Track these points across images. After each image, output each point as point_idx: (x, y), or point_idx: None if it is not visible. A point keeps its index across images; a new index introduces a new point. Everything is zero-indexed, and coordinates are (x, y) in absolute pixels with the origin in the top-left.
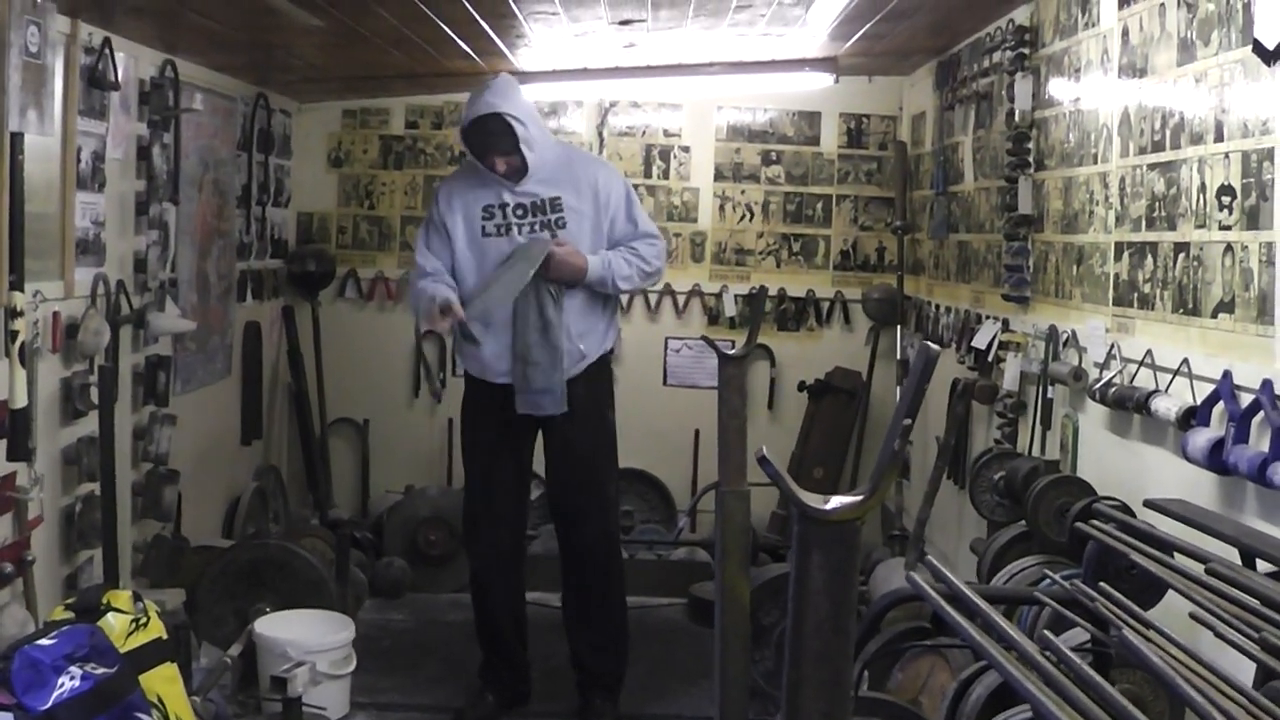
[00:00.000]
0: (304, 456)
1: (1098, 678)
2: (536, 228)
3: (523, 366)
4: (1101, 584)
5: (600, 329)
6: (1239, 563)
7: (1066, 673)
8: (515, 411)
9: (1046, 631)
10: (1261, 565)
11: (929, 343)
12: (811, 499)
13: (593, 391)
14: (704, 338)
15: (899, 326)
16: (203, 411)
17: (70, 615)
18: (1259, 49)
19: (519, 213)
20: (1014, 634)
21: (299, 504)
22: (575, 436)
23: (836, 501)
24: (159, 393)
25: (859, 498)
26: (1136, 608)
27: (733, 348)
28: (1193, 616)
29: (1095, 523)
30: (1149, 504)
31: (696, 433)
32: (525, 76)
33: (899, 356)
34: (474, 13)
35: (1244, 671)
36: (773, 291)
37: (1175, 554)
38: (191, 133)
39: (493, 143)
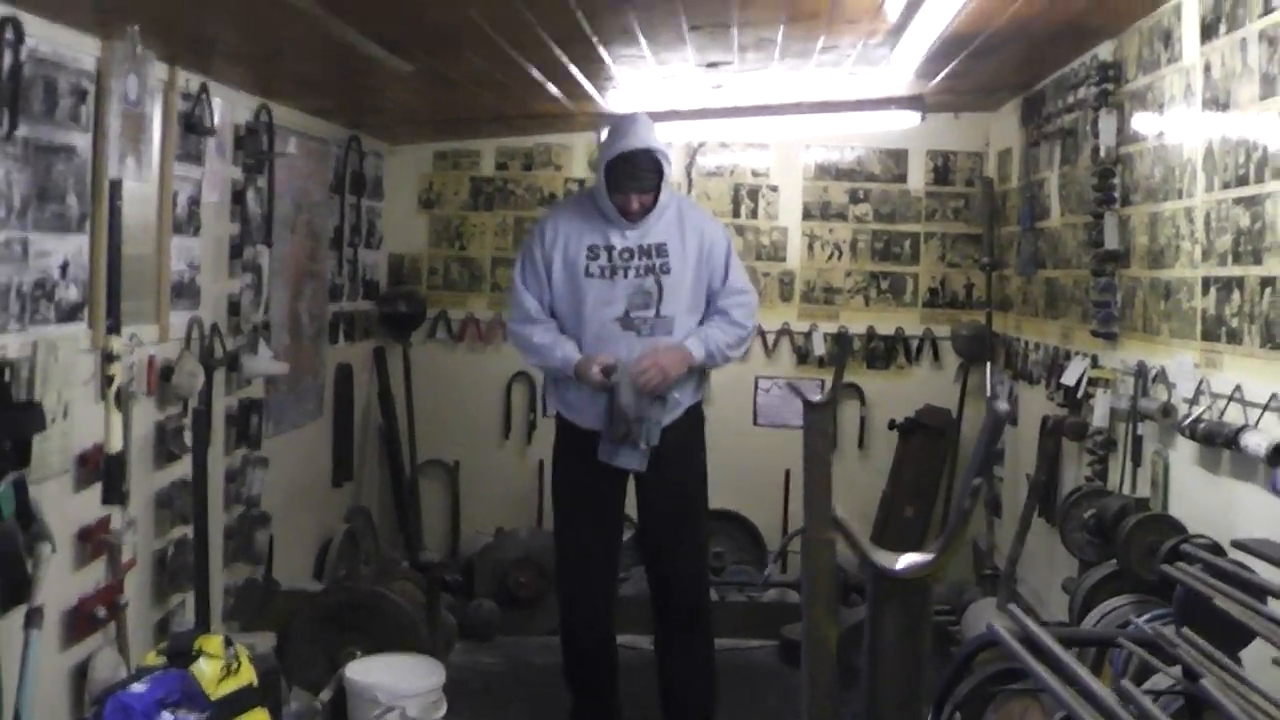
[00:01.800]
0: (394, 498)
1: None
2: (641, 271)
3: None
4: (1185, 630)
5: (695, 377)
6: None
7: None
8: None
9: (1125, 682)
10: None
11: (997, 402)
12: (884, 557)
13: (686, 437)
14: (788, 383)
15: (988, 363)
16: (294, 453)
17: (162, 660)
18: None
19: (625, 256)
20: (1093, 684)
21: (390, 546)
22: (668, 481)
23: (907, 560)
24: (251, 435)
25: (930, 556)
26: (1219, 654)
27: (821, 388)
28: (1276, 662)
29: (1181, 565)
30: (1236, 544)
31: (787, 473)
32: (612, 119)
33: (989, 393)
34: (563, 57)
35: None
36: (861, 330)
37: (1267, 597)
38: (285, 175)
39: (636, 179)
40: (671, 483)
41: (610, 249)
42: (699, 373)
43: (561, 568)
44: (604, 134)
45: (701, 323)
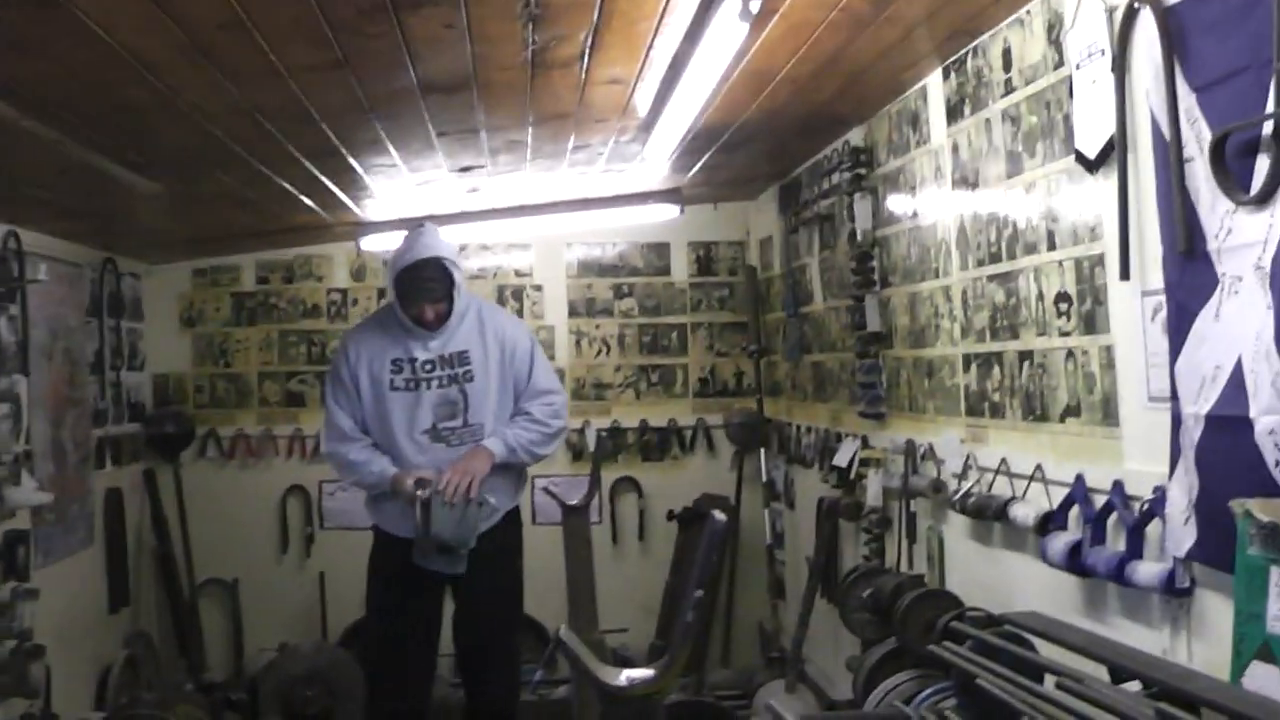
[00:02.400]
0: (174, 620)
1: None
2: (445, 381)
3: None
4: (949, 706)
5: (510, 481)
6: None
7: None
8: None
9: None
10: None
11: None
12: (608, 674)
13: (503, 541)
14: (546, 489)
15: (762, 449)
16: (66, 582)
17: None
18: (1081, 158)
19: (427, 368)
20: None
21: (172, 669)
22: (484, 587)
23: (632, 676)
24: (19, 567)
25: (653, 672)
26: None
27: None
28: None
29: (950, 645)
30: (1003, 619)
31: None
32: (370, 227)
33: (764, 479)
34: (314, 170)
35: None
36: (634, 423)
37: (1042, 672)
38: (39, 302)
39: (426, 289)
40: (488, 589)
41: (413, 361)
42: (515, 476)
43: (375, 679)
44: (365, 244)
45: None
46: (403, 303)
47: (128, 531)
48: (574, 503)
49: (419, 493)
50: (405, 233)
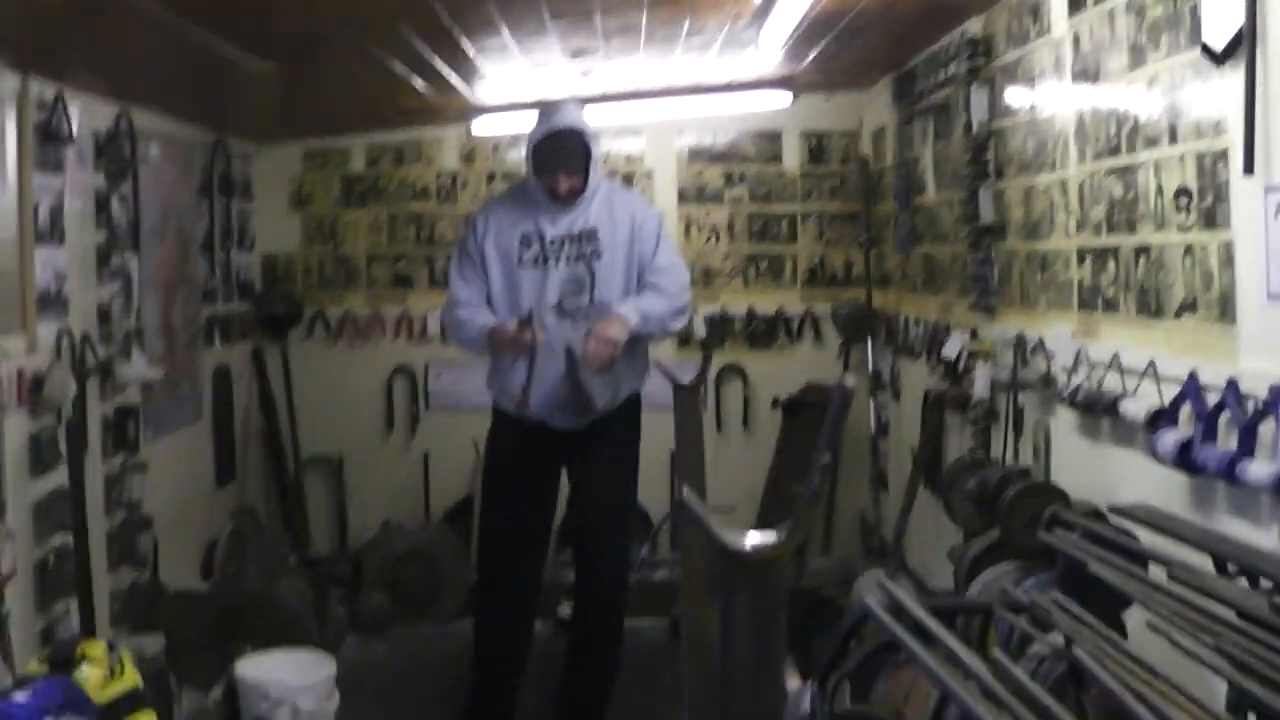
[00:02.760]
0: (280, 496)
1: (1048, 702)
2: (573, 259)
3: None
4: (1057, 596)
5: (636, 366)
6: (1210, 566)
7: (1023, 695)
8: (543, 445)
9: (998, 653)
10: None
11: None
12: (733, 539)
13: (624, 426)
14: (657, 363)
15: (869, 339)
16: (175, 457)
17: (44, 668)
18: (1207, 51)
19: (555, 244)
20: (964, 656)
21: (276, 544)
22: (601, 473)
23: (756, 540)
24: (129, 441)
25: (779, 536)
26: (1091, 619)
27: (701, 370)
28: (1150, 626)
29: (1060, 531)
30: (1114, 510)
31: (672, 454)
32: (481, 110)
33: (870, 369)
34: (426, 52)
35: (1218, 679)
36: (742, 311)
37: (1148, 561)
38: (150, 181)
39: (563, 160)
40: (605, 473)
41: (542, 236)
42: (640, 359)
43: (489, 555)
44: (476, 127)
45: None
46: (538, 172)
47: (235, 409)
48: (686, 381)
49: (524, 328)
50: (536, 110)
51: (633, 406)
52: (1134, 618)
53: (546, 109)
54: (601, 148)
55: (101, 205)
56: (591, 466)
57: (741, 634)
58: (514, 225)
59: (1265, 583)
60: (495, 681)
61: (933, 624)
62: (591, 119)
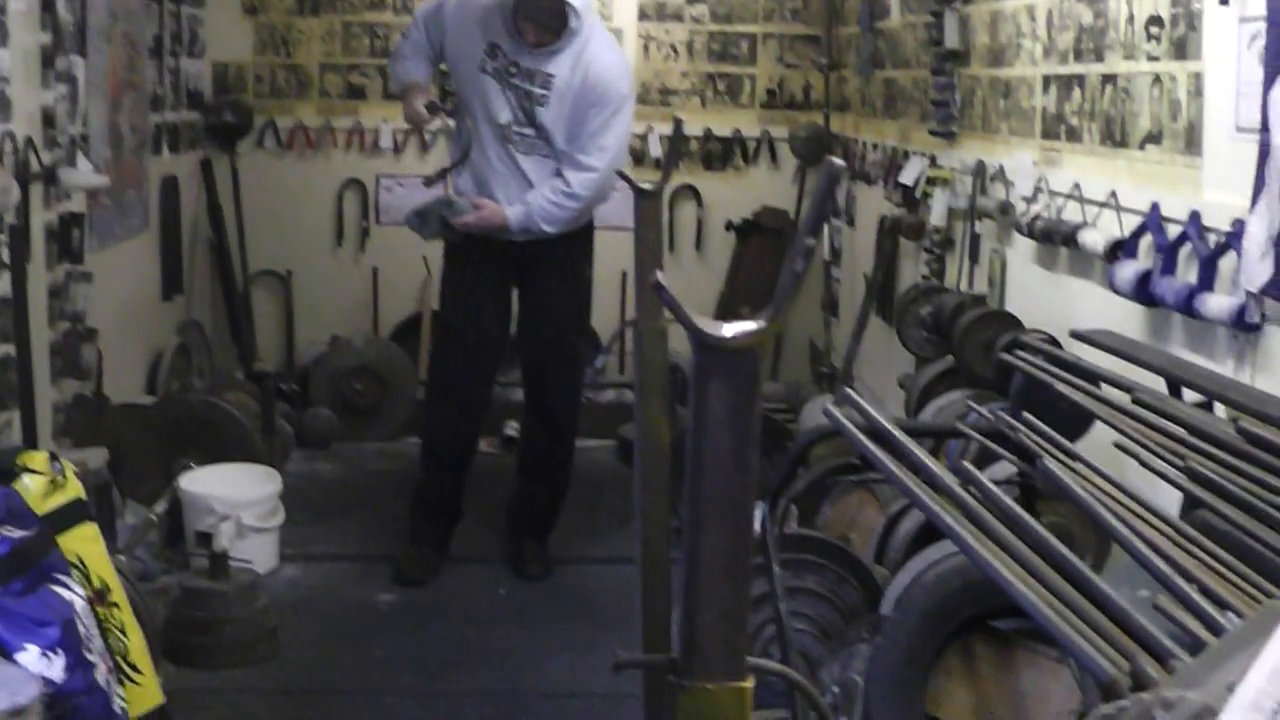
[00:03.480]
0: (227, 310)
1: (1018, 510)
2: (520, 94)
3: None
4: (1025, 414)
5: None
6: (1166, 393)
7: (989, 506)
8: (494, 256)
9: (966, 463)
10: (1188, 394)
11: (833, 159)
12: (709, 325)
13: (572, 250)
14: (619, 172)
15: (827, 157)
16: (121, 268)
17: None
18: None
19: (512, 70)
20: (935, 468)
21: (223, 358)
22: (552, 290)
23: (735, 327)
24: (74, 250)
25: (759, 324)
26: (1061, 438)
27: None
28: (1118, 446)
29: (1021, 354)
30: (1075, 335)
31: (623, 274)
32: None
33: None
34: None
35: (1170, 501)
36: (698, 131)
37: (1102, 385)
38: None
39: (536, 14)
40: (554, 295)
41: (506, 55)
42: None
43: (441, 365)
44: None
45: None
46: (517, 16)
47: (183, 220)
48: (647, 188)
49: (428, 114)
50: None
51: (583, 233)
52: (1086, 444)
53: None
54: None
55: (47, 5)
56: (542, 284)
57: (715, 428)
58: (485, 27)
59: (1221, 410)
60: (443, 480)
61: (902, 438)
62: None
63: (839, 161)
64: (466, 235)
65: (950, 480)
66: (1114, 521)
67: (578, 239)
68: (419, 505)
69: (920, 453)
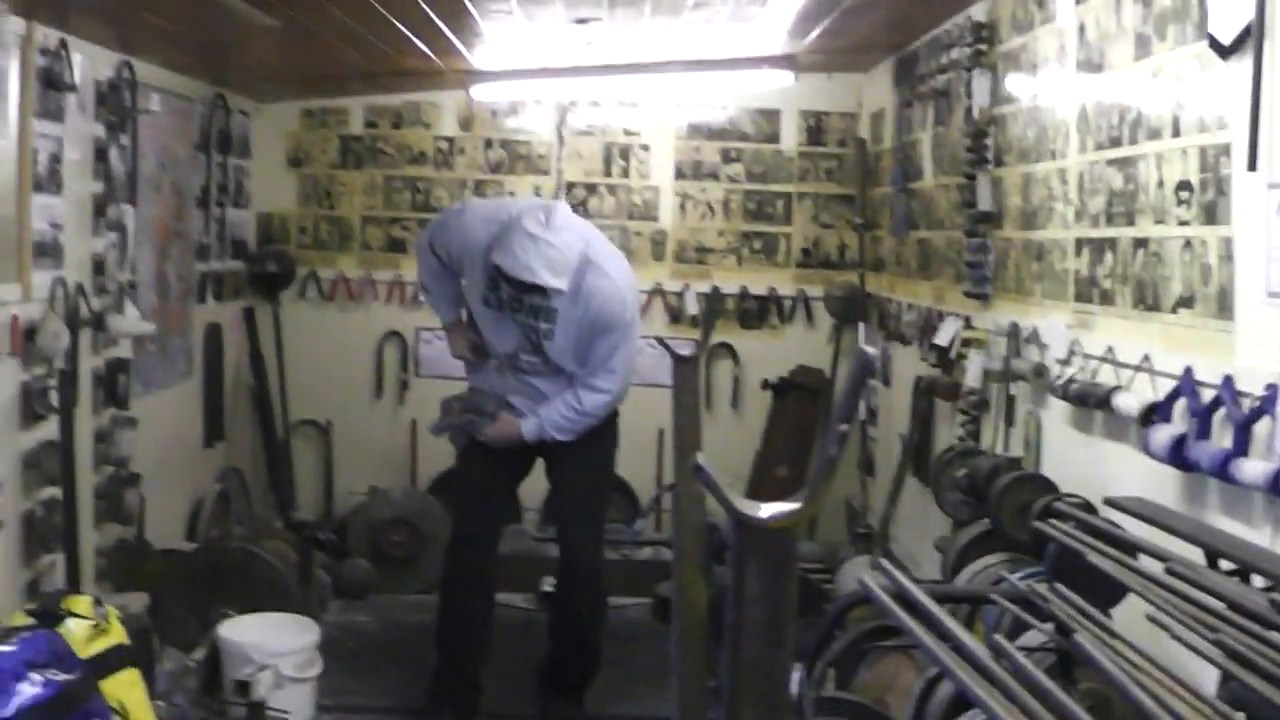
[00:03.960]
0: (267, 458)
1: (1049, 683)
2: (526, 329)
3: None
4: (1058, 585)
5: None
6: (1203, 561)
7: (1021, 679)
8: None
9: (998, 636)
10: (1224, 564)
11: (865, 347)
12: (747, 506)
13: (597, 432)
14: (658, 338)
15: (861, 324)
16: (164, 414)
17: (30, 621)
18: (1214, 43)
19: (515, 305)
20: (966, 639)
21: (262, 506)
22: (577, 453)
23: (772, 509)
24: (119, 395)
25: (795, 505)
26: (1092, 609)
27: (694, 346)
28: (1150, 618)
29: (1055, 522)
30: (1109, 502)
31: (661, 432)
32: (482, 75)
33: (860, 340)
34: (429, 11)
35: (1208, 672)
36: (734, 290)
37: (1138, 554)
38: (149, 133)
39: (517, 289)
40: (578, 458)
41: (505, 290)
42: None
43: (461, 531)
44: (476, 92)
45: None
46: (496, 269)
47: (226, 368)
48: (685, 354)
49: (473, 356)
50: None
51: (607, 421)
52: (1120, 614)
53: (523, 235)
54: (600, 119)
55: (100, 155)
56: (565, 456)
57: (752, 604)
58: (484, 261)
59: (1258, 579)
60: (457, 658)
61: (932, 607)
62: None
63: (871, 350)
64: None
65: (982, 651)
66: (1145, 699)
67: (602, 427)
68: (438, 676)
69: (951, 622)
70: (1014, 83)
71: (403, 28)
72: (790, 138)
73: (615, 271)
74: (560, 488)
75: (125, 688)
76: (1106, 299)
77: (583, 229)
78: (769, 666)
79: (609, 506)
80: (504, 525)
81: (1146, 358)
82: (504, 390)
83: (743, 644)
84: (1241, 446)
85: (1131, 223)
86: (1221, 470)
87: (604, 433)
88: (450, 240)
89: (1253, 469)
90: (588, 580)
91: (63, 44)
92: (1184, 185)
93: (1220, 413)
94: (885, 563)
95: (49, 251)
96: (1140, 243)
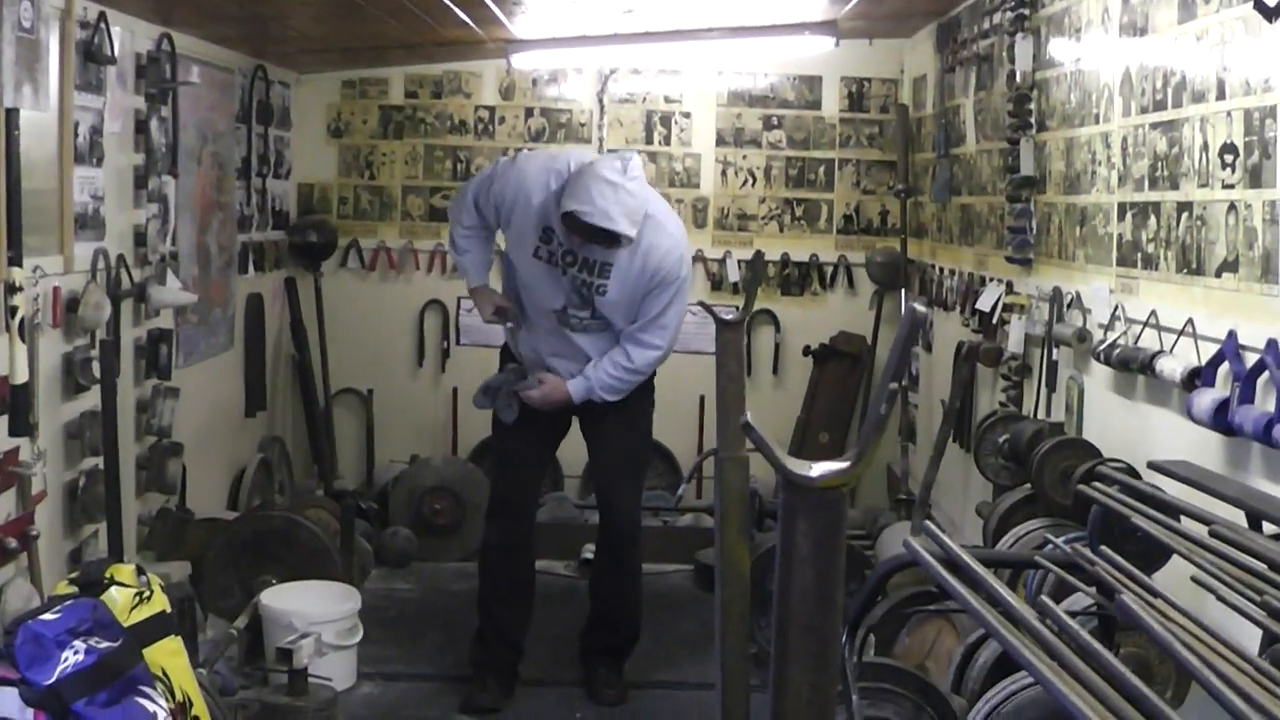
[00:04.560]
0: (308, 428)
1: (1095, 644)
2: (578, 283)
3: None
4: (1103, 548)
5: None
6: (1244, 525)
7: (1066, 639)
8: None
9: (1045, 597)
10: (1268, 527)
11: (916, 304)
12: (797, 465)
13: (634, 395)
14: (701, 303)
15: (903, 290)
16: (206, 384)
17: (73, 590)
18: (1259, 6)
19: (569, 259)
20: (1012, 600)
21: (304, 475)
22: (615, 420)
23: (822, 468)
24: (161, 366)
25: (845, 464)
26: (1137, 571)
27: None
28: (1195, 580)
29: (1098, 485)
30: (1152, 465)
31: (701, 399)
32: (521, 44)
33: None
34: None
35: (1250, 634)
36: (776, 256)
37: (1180, 517)
38: (189, 105)
39: (588, 237)
40: (619, 421)
41: (560, 243)
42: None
43: (498, 500)
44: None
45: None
46: (564, 226)
47: (267, 338)
48: (729, 318)
49: (501, 319)
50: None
51: (644, 385)
52: (1163, 576)
53: (593, 180)
54: (641, 87)
55: (140, 127)
56: (604, 411)
57: (801, 564)
58: (539, 210)
59: None
60: (498, 626)
61: (979, 569)
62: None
63: (922, 307)
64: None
65: (1028, 613)
66: (1191, 658)
67: (639, 391)
68: (480, 639)
69: (997, 584)
70: (1057, 47)
71: None
72: (832, 104)
73: (674, 228)
74: (600, 452)
75: (168, 656)
76: (1150, 263)
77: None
78: (819, 627)
79: (648, 470)
80: (540, 493)
81: (1190, 322)
82: (545, 351)
83: (792, 605)
84: None
85: (1175, 187)
86: (1265, 434)
87: (641, 396)
88: (505, 189)
89: None
90: (629, 544)
91: (102, 17)
92: (1228, 148)
93: (1264, 377)
94: (931, 525)
95: (90, 223)
96: (1184, 207)
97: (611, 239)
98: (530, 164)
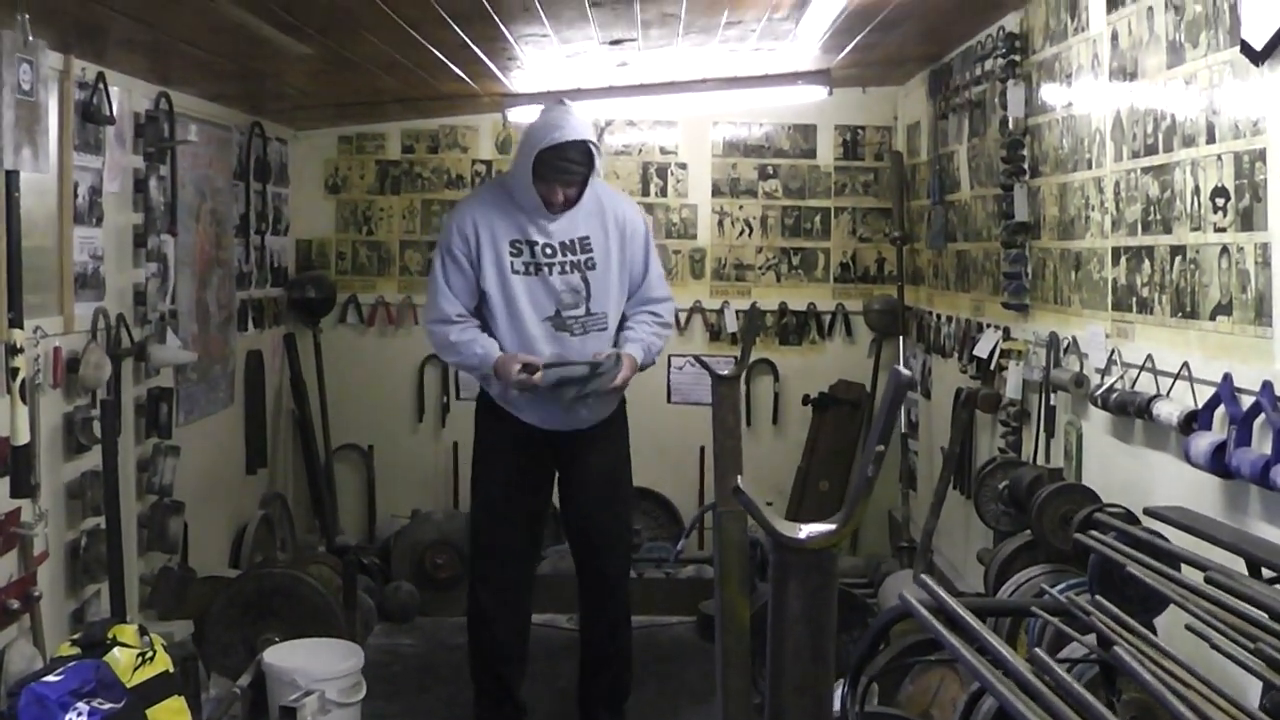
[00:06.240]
0: (309, 483)
1: (1089, 698)
2: (567, 269)
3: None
4: (1098, 597)
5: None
6: (1244, 569)
7: (1062, 694)
8: (533, 448)
9: (1038, 650)
10: (1266, 572)
11: (900, 369)
12: (786, 528)
13: (611, 426)
14: (696, 357)
15: (901, 337)
16: (206, 441)
17: (76, 651)
18: (1246, 49)
19: (548, 252)
20: (1006, 654)
21: (305, 531)
22: (594, 472)
23: (810, 529)
24: (161, 424)
25: (833, 525)
26: (1132, 620)
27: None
28: (1189, 628)
29: (1095, 533)
30: (1149, 512)
31: (701, 450)
32: (517, 99)
33: (896, 363)
34: (465, 37)
35: (1252, 681)
36: (773, 305)
37: (1180, 564)
38: (188, 163)
39: (566, 171)
40: (596, 471)
41: (533, 244)
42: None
43: (481, 555)
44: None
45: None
46: (538, 181)
47: (267, 394)
48: (724, 373)
49: (530, 375)
50: (543, 107)
51: (618, 409)
52: (1164, 621)
53: (550, 117)
54: (637, 139)
55: (139, 186)
56: (587, 468)
57: (793, 623)
58: (501, 230)
59: None
60: (497, 684)
61: (973, 622)
62: (599, 114)
63: (906, 371)
64: (513, 424)
65: (1023, 666)
66: (1184, 709)
67: (613, 418)
68: (481, 702)
69: (992, 637)
70: (1048, 92)
71: (439, 54)
72: (826, 152)
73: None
74: (585, 506)
75: (171, 716)
76: (1144, 307)
77: None
78: (811, 685)
79: (633, 517)
80: (541, 544)
81: (1185, 365)
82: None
83: (785, 663)
84: None
85: (1168, 230)
86: (1262, 477)
87: (618, 439)
88: (465, 226)
89: None
90: (616, 589)
91: (100, 77)
92: (1220, 192)
93: (1260, 419)
94: (925, 578)
95: (90, 283)
96: (1177, 250)
97: (585, 158)
98: (474, 197)
